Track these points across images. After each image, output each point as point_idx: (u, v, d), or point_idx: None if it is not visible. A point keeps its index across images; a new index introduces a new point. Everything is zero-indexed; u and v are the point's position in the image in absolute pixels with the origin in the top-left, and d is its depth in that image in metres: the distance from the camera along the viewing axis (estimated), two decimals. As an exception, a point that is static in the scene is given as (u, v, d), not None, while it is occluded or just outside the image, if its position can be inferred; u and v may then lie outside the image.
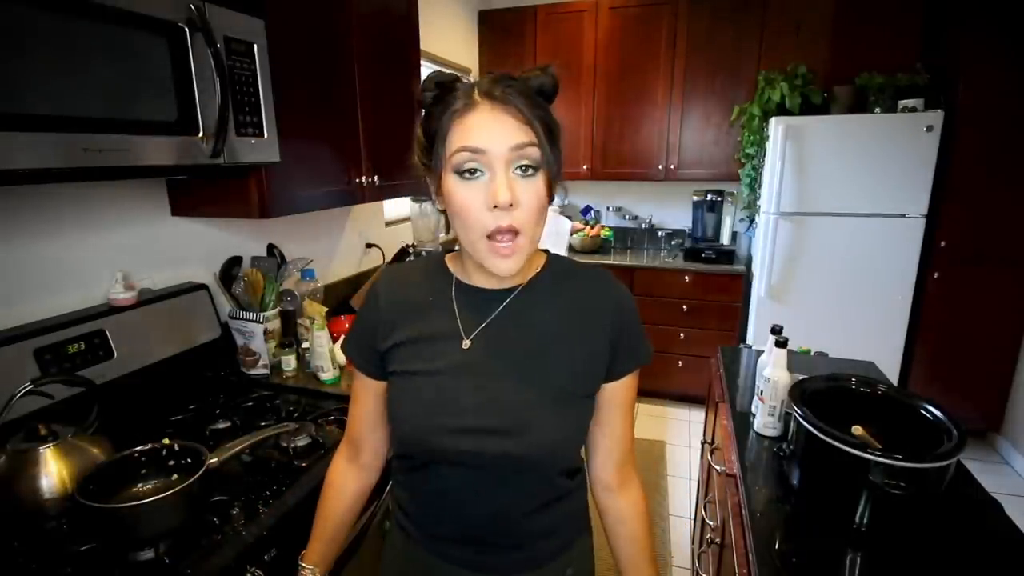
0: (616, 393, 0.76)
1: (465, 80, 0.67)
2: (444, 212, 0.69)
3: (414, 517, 0.79)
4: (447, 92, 0.65)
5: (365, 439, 0.84)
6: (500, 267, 0.65)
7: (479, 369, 0.71)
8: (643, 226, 3.67)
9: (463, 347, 0.72)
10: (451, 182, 0.64)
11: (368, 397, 0.81)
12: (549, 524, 0.76)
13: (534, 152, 0.62)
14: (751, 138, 2.86)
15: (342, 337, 1.71)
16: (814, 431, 0.96)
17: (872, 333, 2.71)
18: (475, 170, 0.63)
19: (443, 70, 0.66)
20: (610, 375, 0.75)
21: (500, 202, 0.61)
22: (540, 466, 0.73)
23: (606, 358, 0.74)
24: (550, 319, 0.73)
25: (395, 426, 0.75)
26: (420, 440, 0.72)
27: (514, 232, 0.63)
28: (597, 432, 0.80)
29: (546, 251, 0.80)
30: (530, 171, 0.63)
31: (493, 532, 0.74)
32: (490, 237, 0.63)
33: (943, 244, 2.60)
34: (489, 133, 0.61)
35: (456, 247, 0.75)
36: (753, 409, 1.32)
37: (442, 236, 2.76)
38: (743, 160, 2.97)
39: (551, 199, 0.68)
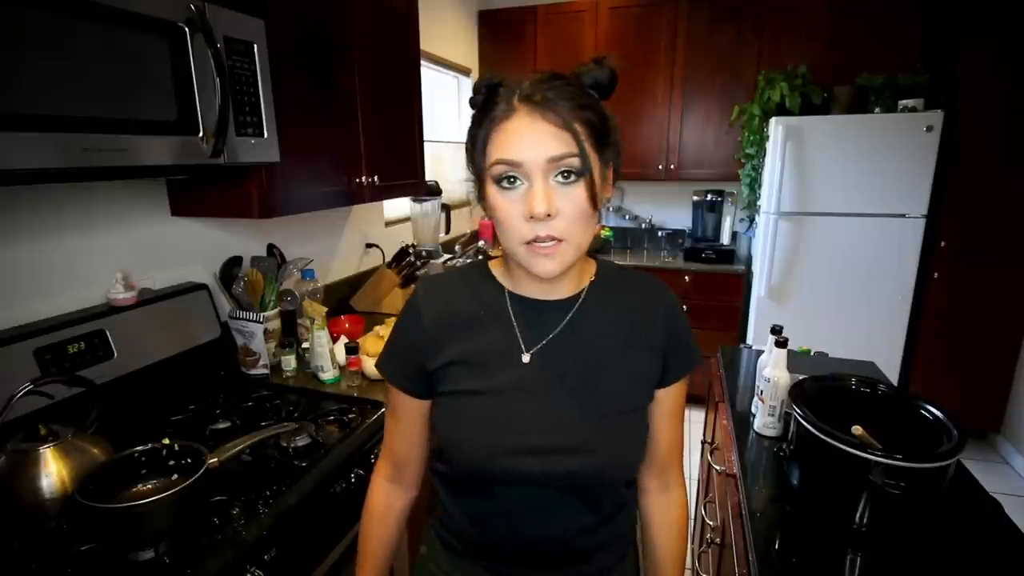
0: (664, 399, 0.75)
1: (510, 83, 0.63)
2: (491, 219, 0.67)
3: (468, 536, 0.76)
4: (492, 96, 0.63)
5: (410, 458, 0.81)
6: (542, 267, 0.62)
7: (541, 386, 0.69)
8: (643, 226, 3.67)
9: (524, 362, 0.69)
10: (491, 191, 0.62)
11: (413, 417, 0.77)
12: (608, 536, 0.75)
13: (573, 162, 0.59)
14: (751, 138, 2.86)
15: (343, 337, 1.72)
16: (814, 431, 0.96)
17: (872, 333, 2.71)
18: (513, 179, 0.61)
19: (494, 73, 0.65)
20: (661, 382, 0.73)
21: (536, 214, 0.58)
22: (608, 481, 0.71)
23: (659, 366, 0.72)
24: (608, 331, 0.71)
25: (451, 450, 0.70)
26: (482, 463, 0.68)
27: (555, 240, 0.61)
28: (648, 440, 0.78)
29: (595, 257, 0.77)
30: (571, 178, 0.60)
31: (554, 549, 0.72)
32: (528, 243, 0.61)
33: (943, 244, 2.60)
34: (524, 143, 0.59)
35: (482, 251, 0.74)
36: (753, 409, 1.32)
37: (442, 236, 2.75)
38: (743, 160, 2.97)
39: (597, 204, 0.62)
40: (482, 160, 0.63)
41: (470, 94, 0.66)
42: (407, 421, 0.78)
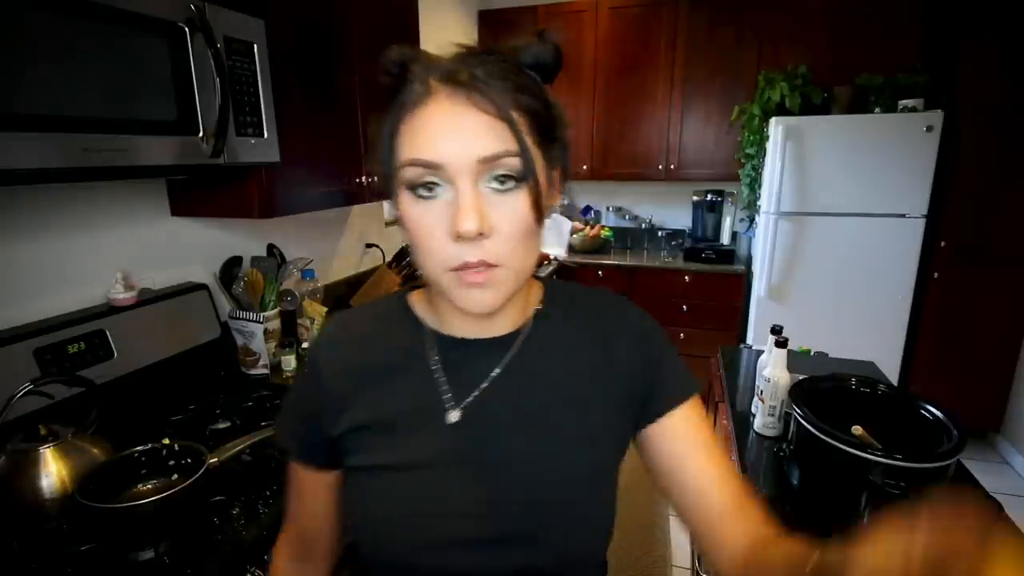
0: (679, 429, 0.57)
1: (427, 58, 0.48)
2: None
3: None
4: (403, 74, 0.47)
5: (318, 535, 0.65)
6: (473, 302, 0.47)
7: (476, 454, 0.53)
8: (643, 226, 3.67)
9: (450, 422, 0.53)
10: (403, 199, 0.47)
11: (319, 491, 0.61)
12: None
13: (512, 162, 0.45)
14: (751, 138, 2.86)
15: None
16: (814, 431, 0.96)
17: (872, 333, 2.71)
18: (432, 184, 0.45)
19: (408, 47, 0.49)
20: (651, 414, 0.57)
21: (463, 232, 0.43)
22: (573, 572, 0.55)
23: (636, 402, 0.57)
24: (561, 372, 0.56)
25: (362, 541, 0.55)
26: (397, 560, 0.52)
27: (488, 266, 0.46)
28: (688, 492, 0.56)
29: (539, 279, 0.62)
30: (509, 183, 0.45)
31: None
32: (454, 269, 0.46)
33: (943, 244, 2.60)
34: (447, 138, 0.44)
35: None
36: (753, 409, 1.32)
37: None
38: (743, 160, 2.97)
39: (542, 216, 0.48)
40: (390, 159, 0.48)
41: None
42: (311, 497, 0.62)
